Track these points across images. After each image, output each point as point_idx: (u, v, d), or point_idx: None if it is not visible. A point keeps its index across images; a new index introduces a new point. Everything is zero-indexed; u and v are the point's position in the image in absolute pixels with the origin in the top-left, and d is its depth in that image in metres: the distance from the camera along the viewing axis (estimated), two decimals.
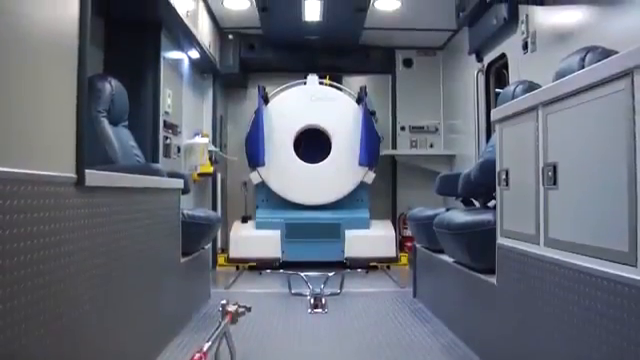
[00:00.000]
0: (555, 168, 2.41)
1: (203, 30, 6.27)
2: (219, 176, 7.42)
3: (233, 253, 7.14)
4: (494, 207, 3.46)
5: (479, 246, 3.46)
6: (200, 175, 6.49)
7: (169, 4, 4.72)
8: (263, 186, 7.45)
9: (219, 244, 7.59)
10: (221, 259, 7.32)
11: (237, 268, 7.11)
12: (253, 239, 7.19)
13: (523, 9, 4.91)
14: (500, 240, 3.11)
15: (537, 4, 4.56)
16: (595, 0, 3.74)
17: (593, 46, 3.14)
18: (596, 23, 3.73)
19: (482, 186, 3.89)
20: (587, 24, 3.87)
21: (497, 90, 6.06)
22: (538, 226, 2.57)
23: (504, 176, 3.07)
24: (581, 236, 2.19)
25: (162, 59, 5.24)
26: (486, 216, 3.46)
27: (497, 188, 3.18)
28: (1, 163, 1.69)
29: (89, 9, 2.35)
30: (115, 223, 2.72)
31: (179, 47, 5.94)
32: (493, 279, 3.19)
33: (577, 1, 4.01)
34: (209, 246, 5.44)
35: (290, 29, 7.07)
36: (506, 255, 2.99)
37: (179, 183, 4.09)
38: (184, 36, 5.63)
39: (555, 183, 2.41)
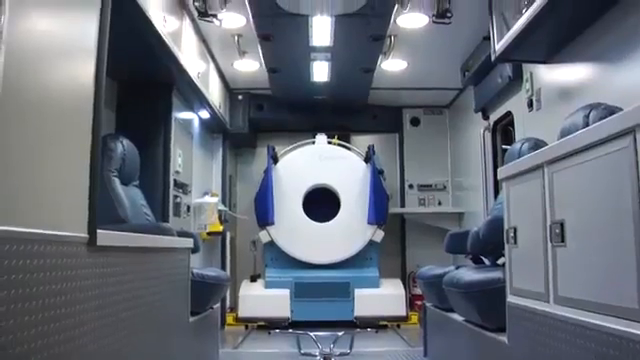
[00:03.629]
0: (562, 225, 2.42)
1: (213, 91, 6.40)
2: (228, 235, 7.43)
3: (242, 312, 7.09)
4: (503, 265, 3.45)
5: (489, 304, 3.44)
6: (209, 234, 6.51)
7: (181, 66, 4.84)
8: (272, 245, 7.44)
9: (228, 303, 7.54)
10: (230, 318, 7.27)
11: (246, 327, 7.06)
12: (262, 298, 7.14)
13: (527, 68, 5.00)
14: (510, 298, 3.09)
15: (540, 63, 4.64)
16: (597, 57, 3.80)
17: (597, 103, 3.18)
18: (599, 80, 3.79)
19: (491, 244, 3.89)
20: (590, 81, 3.92)
21: (504, 147, 6.11)
22: (547, 284, 2.57)
23: (512, 234, 3.08)
24: (590, 293, 2.19)
25: (173, 119, 5.32)
26: (495, 274, 3.45)
27: (505, 246, 3.19)
28: (14, 223, 1.70)
29: (104, 71, 2.42)
30: (125, 282, 2.73)
31: (190, 107, 6.04)
32: (504, 337, 3.16)
33: (580, 59, 4.08)
34: (218, 305, 5.42)
35: (299, 90, 7.19)
36: (516, 313, 2.97)
37: (189, 242, 4.10)
38: (195, 97, 5.74)
39: (563, 240, 2.41)
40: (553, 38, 4.10)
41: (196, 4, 4.90)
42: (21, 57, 1.76)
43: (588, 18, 3.70)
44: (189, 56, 5.14)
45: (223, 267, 7.23)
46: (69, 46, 2.20)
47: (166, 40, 4.32)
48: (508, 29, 4.26)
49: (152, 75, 4.92)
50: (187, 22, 5.10)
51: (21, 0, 1.73)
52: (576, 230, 2.33)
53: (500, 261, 4.06)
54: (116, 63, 2.65)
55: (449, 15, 4.97)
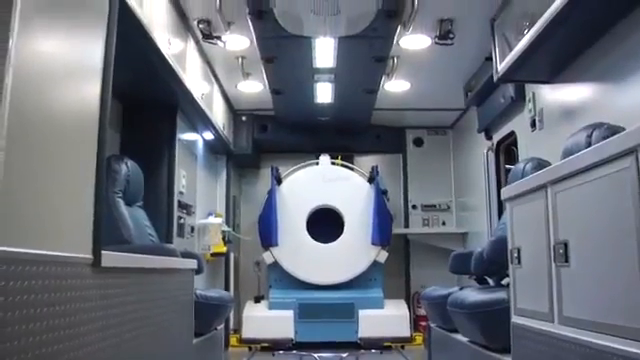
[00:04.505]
0: (566, 246, 2.42)
1: (217, 112, 6.43)
2: (232, 256, 7.42)
3: (246, 333, 7.06)
4: (508, 285, 3.45)
5: (493, 325, 3.42)
6: (213, 255, 6.50)
7: (185, 87, 4.87)
8: (276, 266, 7.42)
9: (232, 324, 7.51)
10: (233, 340, 7.23)
11: (250, 349, 7.02)
12: (266, 319, 7.11)
13: (530, 88, 5.02)
14: (514, 319, 3.08)
15: (543, 83, 4.66)
16: (599, 77, 3.82)
17: (599, 123, 3.19)
18: (601, 100, 3.80)
19: (495, 264, 3.89)
20: (593, 101, 3.94)
21: (507, 167, 6.12)
22: (552, 304, 2.56)
23: (516, 254, 3.08)
24: (595, 313, 2.18)
25: (177, 140, 5.34)
26: (500, 294, 3.44)
27: (510, 266, 3.18)
28: (19, 244, 1.71)
29: (109, 93, 2.44)
30: (129, 303, 2.73)
31: (194, 128, 6.07)
32: (508, 358, 3.14)
33: (582, 79, 4.10)
34: (222, 326, 5.40)
35: (302, 111, 7.23)
36: (521, 334, 2.96)
37: (192, 263, 4.10)
38: (199, 118, 5.77)
39: (567, 260, 2.41)
40: (555, 58, 4.12)
41: (200, 26, 4.95)
42: (28, 79, 1.78)
43: (590, 38, 3.73)
44: (193, 78, 5.18)
45: (227, 288, 7.21)
46: (75, 68, 2.22)
47: (170, 62, 4.36)
48: (510, 50, 4.29)
49: (156, 96, 4.95)
50: (191, 44, 5.14)
51: (28, 22, 1.75)
52: (580, 250, 2.33)
53: (504, 281, 4.06)
54: (121, 84, 2.68)
55: (451, 36, 5.01)
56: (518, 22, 4.12)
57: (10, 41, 1.63)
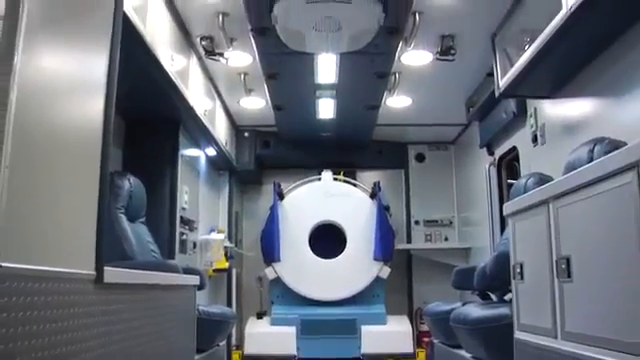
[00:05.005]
0: (569, 261, 2.42)
1: (220, 128, 6.45)
2: (234, 272, 7.40)
3: (248, 350, 7.03)
4: (511, 301, 3.44)
5: (497, 341, 3.41)
6: (215, 271, 6.49)
7: (188, 104, 4.89)
8: (278, 282, 7.41)
9: (234, 340, 7.48)
10: (236, 356, 7.20)
11: None
12: (268, 335, 7.09)
13: (531, 103, 5.03)
14: (517, 334, 3.07)
15: (544, 98, 4.67)
16: (601, 92, 3.83)
17: (601, 137, 3.20)
18: (603, 114, 3.81)
19: (498, 280, 3.88)
20: (594, 116, 3.94)
21: (510, 182, 6.11)
22: (554, 319, 2.56)
23: (519, 270, 3.07)
24: (598, 329, 2.18)
25: (180, 156, 5.35)
26: (503, 310, 3.43)
27: (512, 282, 3.18)
28: (21, 260, 1.71)
29: (113, 109, 2.45)
30: (131, 320, 2.73)
31: (196, 145, 6.09)
32: None
33: (583, 94, 4.11)
34: (224, 343, 5.38)
35: (304, 127, 7.24)
36: (524, 349, 2.95)
37: (195, 279, 4.10)
38: (201, 134, 5.79)
39: (569, 276, 2.41)
40: (556, 73, 4.14)
41: (203, 43, 4.98)
42: (32, 95, 1.79)
43: (590, 53, 3.74)
44: (196, 94, 5.20)
45: (229, 304, 7.19)
46: (79, 84, 2.24)
47: (173, 78, 4.39)
48: (511, 65, 4.31)
49: (159, 113, 4.97)
50: (194, 61, 5.17)
51: (33, 39, 1.77)
52: (582, 265, 2.33)
53: (507, 297, 4.05)
54: (123, 100, 2.69)
55: (453, 52, 5.04)
56: (519, 38, 4.14)
57: (15, 57, 1.65)
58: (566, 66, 3.98)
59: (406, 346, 7.02)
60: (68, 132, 2.12)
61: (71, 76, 2.16)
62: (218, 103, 6.37)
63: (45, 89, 1.92)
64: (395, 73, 5.73)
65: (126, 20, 3.03)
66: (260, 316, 7.52)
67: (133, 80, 3.35)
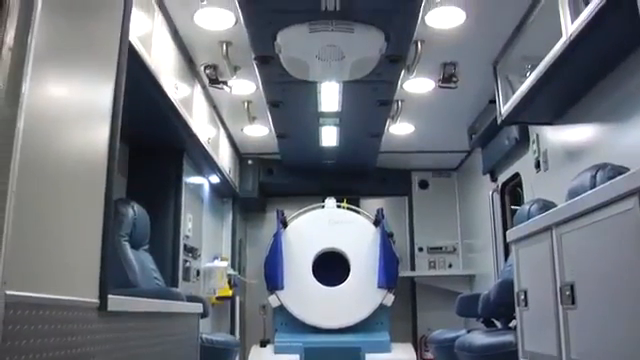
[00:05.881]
0: (572, 287, 2.41)
1: (224, 156, 6.48)
2: (238, 299, 7.38)
3: None
4: (515, 327, 3.42)
5: None
6: (219, 299, 6.47)
7: (192, 131, 4.92)
8: (282, 310, 7.37)
9: None
10: None
11: None
12: None
13: (533, 129, 5.06)
14: None
15: (546, 124, 4.69)
16: (603, 118, 3.85)
17: (603, 163, 3.21)
18: (605, 140, 3.83)
19: (502, 306, 3.86)
20: (596, 141, 3.96)
21: (513, 208, 6.11)
22: (559, 346, 2.54)
23: (523, 296, 3.06)
24: (603, 356, 2.17)
25: (183, 184, 5.36)
26: (507, 337, 3.41)
27: (516, 309, 3.17)
28: (26, 288, 1.71)
29: (118, 137, 2.47)
30: (134, 348, 2.72)
31: (200, 172, 6.10)
32: None
33: (585, 120, 4.13)
34: None
35: (308, 154, 7.26)
36: None
37: (198, 307, 4.09)
38: (205, 162, 5.81)
39: (574, 302, 2.40)
40: (558, 100, 4.16)
41: (207, 72, 5.02)
42: (39, 124, 1.81)
43: (591, 80, 3.77)
44: (200, 122, 5.24)
45: (232, 332, 7.15)
46: (85, 112, 2.26)
47: (177, 106, 4.42)
48: (513, 92, 4.34)
49: (163, 140, 4.99)
50: (198, 89, 5.21)
51: (41, 68, 1.79)
52: (586, 292, 2.32)
53: (512, 324, 4.02)
54: (127, 128, 2.71)
55: (455, 80, 5.07)
56: (520, 65, 4.18)
57: (23, 86, 1.67)
58: (567, 93, 4.00)
59: None
60: (74, 160, 2.13)
61: (77, 105, 2.19)
62: (222, 131, 6.41)
63: (52, 118, 1.94)
64: (398, 101, 5.77)
65: (132, 49, 3.06)
66: (263, 344, 7.47)
67: (137, 108, 3.37)
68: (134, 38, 3.31)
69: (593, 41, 3.20)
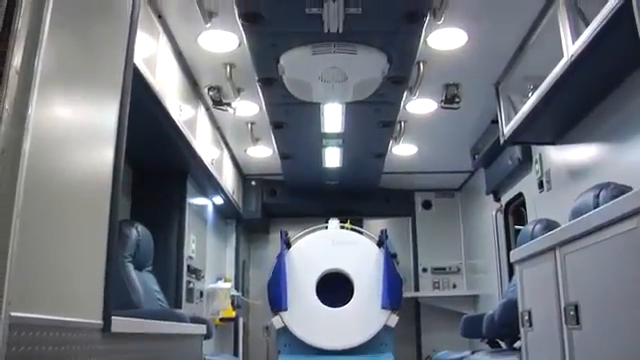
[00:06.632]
0: (577, 307, 2.41)
1: (227, 177, 6.49)
2: (241, 321, 7.35)
3: None
4: (520, 348, 3.40)
5: None
6: (222, 320, 6.45)
7: (195, 153, 4.95)
8: (285, 331, 7.33)
9: None
10: None
11: None
12: None
13: (536, 149, 5.06)
14: None
15: (549, 144, 4.70)
16: (605, 137, 3.85)
17: (606, 183, 3.20)
18: (608, 159, 3.83)
19: (506, 327, 3.85)
20: (599, 161, 3.96)
21: (517, 227, 6.10)
22: None
23: (527, 317, 3.05)
24: None
25: (187, 205, 5.37)
26: (512, 358, 3.40)
27: (521, 329, 3.15)
28: (31, 309, 1.71)
29: (122, 159, 2.48)
30: None
31: (204, 193, 6.12)
32: None
33: (588, 139, 4.14)
34: None
35: (311, 175, 7.27)
36: None
37: (201, 329, 4.08)
38: (209, 183, 5.83)
39: (578, 323, 2.40)
40: (560, 120, 4.18)
41: (211, 93, 5.05)
42: (45, 145, 1.82)
43: (593, 100, 3.78)
44: (203, 143, 5.26)
45: (236, 353, 7.12)
46: (90, 135, 2.27)
47: (181, 128, 4.45)
48: (515, 112, 4.36)
49: (167, 162, 5.01)
50: (202, 111, 5.24)
51: (47, 91, 1.81)
52: (591, 312, 2.32)
53: (517, 344, 4.00)
54: (132, 150, 2.72)
55: (457, 100, 5.09)
56: (522, 85, 4.20)
57: (29, 109, 1.68)
58: (569, 112, 4.02)
59: None
60: (79, 181, 2.14)
61: (82, 127, 2.20)
62: (225, 152, 6.43)
63: (57, 139, 1.95)
64: (400, 122, 5.79)
65: (136, 71, 3.09)
66: None
67: (141, 129, 3.39)
68: (139, 60, 3.34)
69: (594, 61, 3.22)
